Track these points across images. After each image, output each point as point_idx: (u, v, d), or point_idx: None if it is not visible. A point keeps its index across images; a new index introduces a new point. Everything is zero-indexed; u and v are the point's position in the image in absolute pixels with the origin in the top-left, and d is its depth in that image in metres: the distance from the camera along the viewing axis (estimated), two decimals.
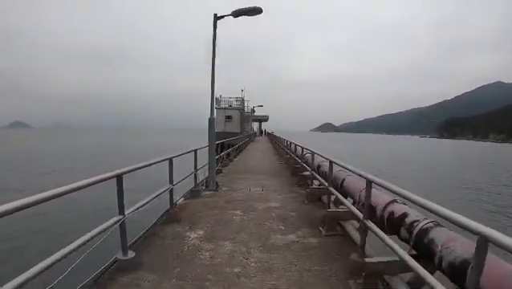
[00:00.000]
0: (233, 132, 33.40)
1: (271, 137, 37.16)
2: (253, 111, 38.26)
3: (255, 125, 70.30)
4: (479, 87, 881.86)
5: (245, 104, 40.68)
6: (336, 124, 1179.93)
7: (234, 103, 36.88)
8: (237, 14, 7.83)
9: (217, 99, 35.58)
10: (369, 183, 3.44)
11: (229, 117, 35.14)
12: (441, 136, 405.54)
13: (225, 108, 35.35)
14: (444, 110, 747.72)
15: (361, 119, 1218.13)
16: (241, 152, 21.44)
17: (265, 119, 67.42)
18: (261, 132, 71.23)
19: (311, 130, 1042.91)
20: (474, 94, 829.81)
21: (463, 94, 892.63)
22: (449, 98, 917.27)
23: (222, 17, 7.95)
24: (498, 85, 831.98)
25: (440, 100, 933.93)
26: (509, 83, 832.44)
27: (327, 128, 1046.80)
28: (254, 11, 7.89)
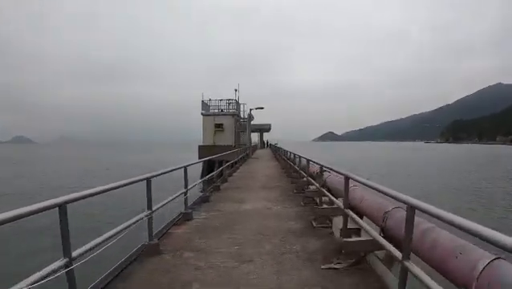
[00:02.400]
0: (225, 146, 26.53)
1: (276, 153, 30.59)
2: (251, 117, 31.54)
3: (254, 136, 62.34)
4: (480, 90, 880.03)
5: (241, 109, 32.65)
6: (338, 133, 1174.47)
7: (226, 107, 29.89)
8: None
9: (203, 103, 28.86)
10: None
11: (219, 126, 28.29)
12: (446, 141, 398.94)
13: (214, 115, 28.50)
14: (446, 114, 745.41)
15: (363, 127, 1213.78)
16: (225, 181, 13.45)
17: (266, 128, 59.17)
18: (262, 143, 63.32)
19: (313, 140, 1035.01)
20: (475, 97, 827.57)
21: (464, 97, 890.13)
22: (450, 102, 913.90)
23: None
24: (499, 87, 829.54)
25: (442, 105, 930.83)
26: (509, 84, 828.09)
27: (328, 137, 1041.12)
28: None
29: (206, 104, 29.04)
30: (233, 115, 29.42)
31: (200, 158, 26.94)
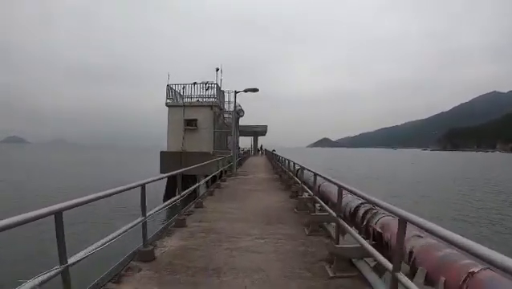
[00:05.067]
0: (200, 154, 17.34)
1: (273, 160, 21.33)
2: (239, 112, 22.26)
3: (247, 140, 52.38)
4: (475, 98, 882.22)
5: (226, 98, 21.58)
6: (333, 139, 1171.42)
7: (200, 92, 19.67)
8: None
9: (169, 88, 19.62)
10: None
11: (191, 122, 18.83)
12: (444, 148, 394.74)
13: (184, 106, 19.03)
14: (441, 121, 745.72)
15: (357, 133, 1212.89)
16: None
17: (261, 131, 49.24)
18: (257, 149, 53.88)
19: (308, 146, 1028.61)
20: (471, 104, 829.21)
21: (460, 105, 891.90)
22: (446, 110, 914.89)
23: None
24: (494, 94, 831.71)
25: (437, 112, 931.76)
26: (505, 93, 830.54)
27: (323, 143, 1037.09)
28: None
29: (174, 90, 19.62)
30: (211, 106, 19.16)
31: (163, 170, 17.98)
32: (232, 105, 18.96)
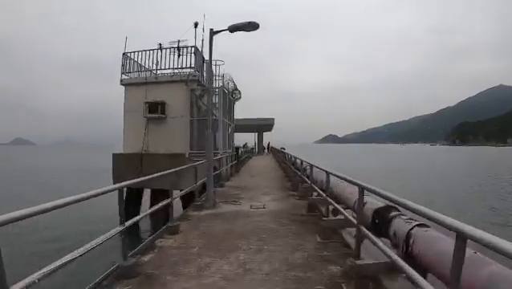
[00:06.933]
0: (171, 156, 10.63)
1: (284, 163, 14.63)
2: (232, 92, 15.06)
3: (249, 137, 44.29)
4: (482, 92, 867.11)
5: (215, 71, 14.17)
6: (339, 136, 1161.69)
7: (175, 64, 12.05)
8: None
9: (125, 56, 12.86)
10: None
11: (156, 107, 11.73)
12: (453, 143, 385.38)
13: (146, 83, 12.06)
14: (448, 116, 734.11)
15: (364, 129, 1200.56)
16: None
17: (268, 126, 41.35)
18: (263, 147, 45.38)
19: (315, 142, 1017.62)
20: (478, 98, 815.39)
21: (466, 99, 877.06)
22: (453, 104, 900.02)
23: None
24: (501, 88, 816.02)
25: (444, 107, 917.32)
26: (511, 86, 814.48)
27: (330, 139, 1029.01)
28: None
29: (133, 61, 12.70)
30: (187, 82, 11.67)
31: (115, 178, 11.54)
32: (226, 84, 11.89)
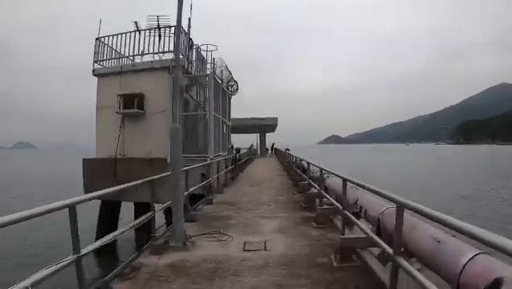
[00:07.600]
0: (149, 161, 8.37)
1: (290, 168, 12.36)
2: (230, 81, 12.84)
3: (251, 138, 41.43)
4: (484, 90, 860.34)
5: (206, 55, 12.01)
6: (342, 136, 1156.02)
7: (155, 48, 9.82)
8: None
9: (99, 42, 10.61)
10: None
11: (132, 100, 9.51)
12: (458, 142, 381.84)
13: (121, 71, 9.85)
14: (450, 115, 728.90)
15: (367, 129, 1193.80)
16: None
17: (271, 126, 38.40)
18: (266, 149, 42.21)
19: (318, 143, 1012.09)
20: (480, 97, 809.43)
21: (468, 98, 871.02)
22: (454, 103, 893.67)
23: None
24: (503, 86, 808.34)
25: (446, 106, 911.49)
26: None
27: (333, 140, 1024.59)
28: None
29: (106, 46, 10.54)
30: (169, 68, 9.18)
31: (86, 187, 9.74)
32: (219, 72, 9.64)
